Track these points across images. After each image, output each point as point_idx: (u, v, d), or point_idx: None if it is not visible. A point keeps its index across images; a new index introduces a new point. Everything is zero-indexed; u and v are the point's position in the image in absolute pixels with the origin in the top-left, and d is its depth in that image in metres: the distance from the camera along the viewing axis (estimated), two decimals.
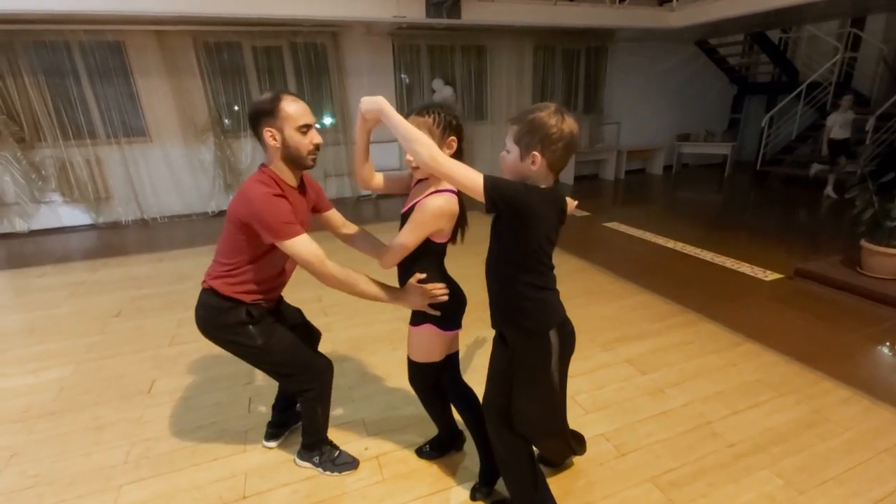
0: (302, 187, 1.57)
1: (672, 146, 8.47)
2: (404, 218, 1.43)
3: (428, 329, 1.49)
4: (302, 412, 1.72)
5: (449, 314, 1.49)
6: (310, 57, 6.10)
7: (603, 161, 8.02)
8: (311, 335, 1.85)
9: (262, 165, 1.48)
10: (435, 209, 1.34)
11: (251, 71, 5.95)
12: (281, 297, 1.73)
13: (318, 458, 1.77)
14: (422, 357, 1.55)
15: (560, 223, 1.30)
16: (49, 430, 2.02)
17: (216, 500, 1.64)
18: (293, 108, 1.42)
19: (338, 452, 1.80)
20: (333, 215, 1.69)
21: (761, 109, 8.63)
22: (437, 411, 1.73)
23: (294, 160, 1.47)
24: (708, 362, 2.44)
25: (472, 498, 1.63)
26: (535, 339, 1.33)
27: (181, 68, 5.62)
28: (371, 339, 2.71)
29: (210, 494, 1.67)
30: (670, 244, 4.38)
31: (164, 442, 1.94)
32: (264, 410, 2.10)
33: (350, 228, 1.70)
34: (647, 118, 8.36)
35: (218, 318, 1.53)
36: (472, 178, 1.14)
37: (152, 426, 2.04)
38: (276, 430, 1.93)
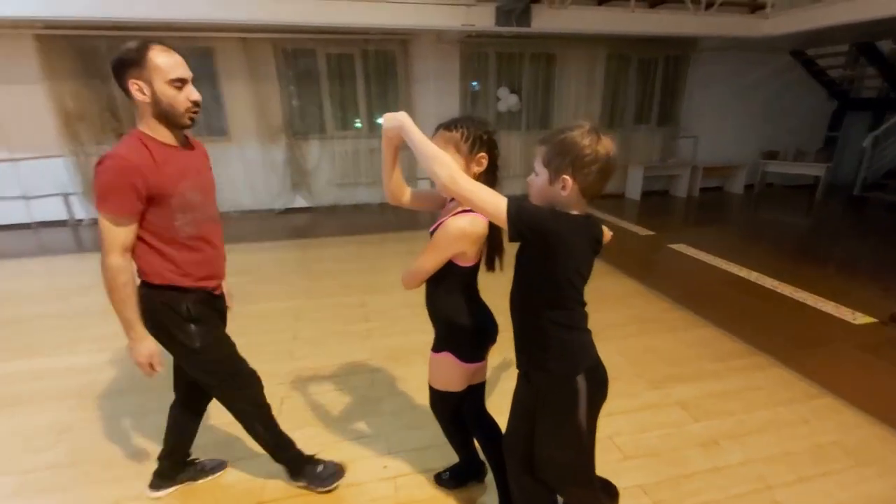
0: (189, 146, 1.45)
1: (756, 164, 7.77)
2: (432, 237, 1.37)
3: (446, 357, 1.42)
4: (246, 431, 1.65)
5: (470, 346, 1.41)
6: (379, 64, 6.25)
7: (676, 177, 7.52)
8: None
9: (132, 128, 1.36)
10: (456, 231, 1.27)
11: (324, 77, 6.19)
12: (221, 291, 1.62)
13: (304, 480, 1.73)
14: (441, 385, 1.48)
15: (594, 254, 1.19)
16: (102, 410, 2.18)
17: (232, 502, 1.67)
18: (163, 60, 1.29)
19: (320, 466, 1.76)
20: None
21: (864, 128, 7.70)
22: (458, 440, 1.66)
23: (168, 117, 1.33)
24: (775, 415, 2.17)
25: None
26: (561, 382, 1.22)
27: (261, 73, 5.95)
28: (409, 350, 2.69)
29: (228, 496, 1.71)
30: (744, 273, 3.99)
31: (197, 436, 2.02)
32: (295, 410, 2.14)
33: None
34: (729, 133, 7.74)
35: (158, 312, 1.41)
36: (495, 203, 1.06)
37: None
38: (161, 479, 1.73)
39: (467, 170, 1.33)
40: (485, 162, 1.34)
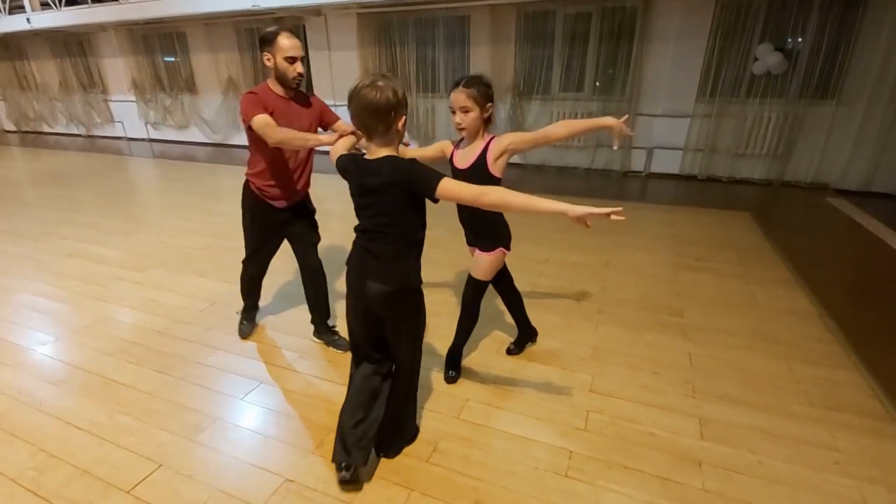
0: (299, 100, 2.12)
1: None
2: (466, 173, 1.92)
3: (498, 252, 2.02)
4: None
5: (510, 238, 2.06)
6: (615, 22, 6.02)
7: None
8: (306, 257, 2.39)
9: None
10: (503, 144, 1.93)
11: (558, 37, 6.40)
12: (296, 213, 2.28)
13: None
14: (486, 276, 2.07)
15: (355, 187, 1.46)
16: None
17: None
18: (285, 43, 1.95)
19: (246, 323, 2.62)
20: (337, 125, 2.24)
21: None
22: (469, 323, 2.20)
23: (281, 80, 2.03)
24: (816, 486, 1.72)
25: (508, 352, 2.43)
26: None
27: (502, 37, 6.62)
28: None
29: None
30: None
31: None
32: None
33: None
34: None
35: (244, 196, 2.25)
36: None
37: None
38: (317, 330, 2.56)
39: (480, 117, 1.85)
40: (491, 110, 1.87)
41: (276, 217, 2.27)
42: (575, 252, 3.79)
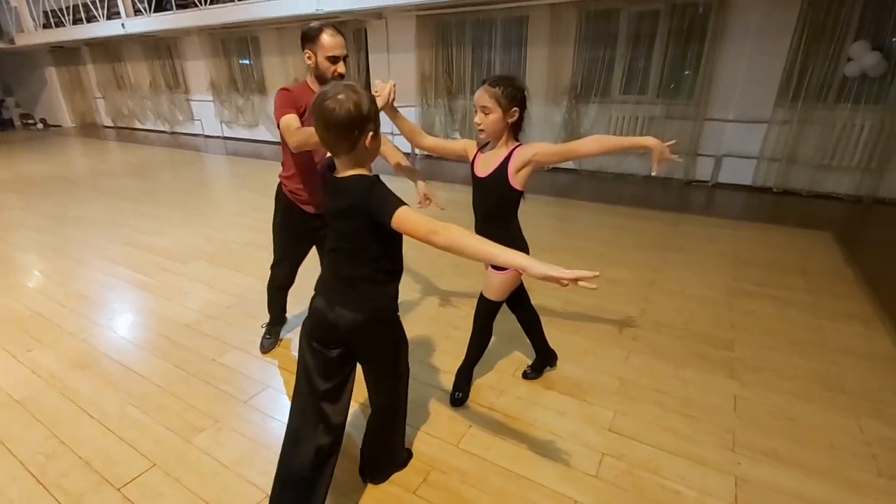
0: None
1: None
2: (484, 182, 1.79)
3: (512, 271, 1.84)
4: None
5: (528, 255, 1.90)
6: (684, 20, 5.56)
7: None
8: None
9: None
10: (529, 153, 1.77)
11: (621, 37, 6.02)
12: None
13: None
14: (499, 296, 1.93)
15: (325, 206, 1.35)
16: None
17: None
18: (328, 41, 1.82)
19: (269, 337, 2.48)
20: None
21: None
22: (482, 341, 2.07)
23: (321, 79, 1.90)
24: None
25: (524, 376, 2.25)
26: None
27: (561, 37, 6.34)
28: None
29: None
30: None
31: None
32: None
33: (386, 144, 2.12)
34: None
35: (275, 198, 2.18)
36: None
37: None
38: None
39: (502, 121, 1.70)
40: (517, 115, 1.70)
41: (308, 223, 2.19)
42: (617, 267, 3.51)
